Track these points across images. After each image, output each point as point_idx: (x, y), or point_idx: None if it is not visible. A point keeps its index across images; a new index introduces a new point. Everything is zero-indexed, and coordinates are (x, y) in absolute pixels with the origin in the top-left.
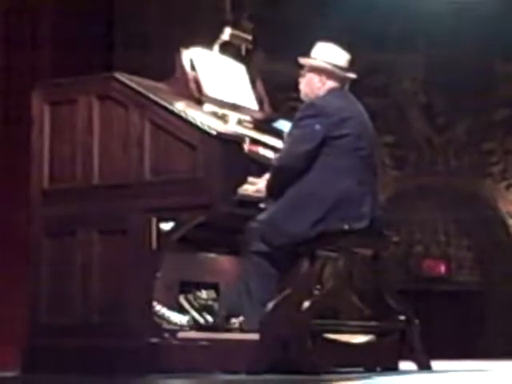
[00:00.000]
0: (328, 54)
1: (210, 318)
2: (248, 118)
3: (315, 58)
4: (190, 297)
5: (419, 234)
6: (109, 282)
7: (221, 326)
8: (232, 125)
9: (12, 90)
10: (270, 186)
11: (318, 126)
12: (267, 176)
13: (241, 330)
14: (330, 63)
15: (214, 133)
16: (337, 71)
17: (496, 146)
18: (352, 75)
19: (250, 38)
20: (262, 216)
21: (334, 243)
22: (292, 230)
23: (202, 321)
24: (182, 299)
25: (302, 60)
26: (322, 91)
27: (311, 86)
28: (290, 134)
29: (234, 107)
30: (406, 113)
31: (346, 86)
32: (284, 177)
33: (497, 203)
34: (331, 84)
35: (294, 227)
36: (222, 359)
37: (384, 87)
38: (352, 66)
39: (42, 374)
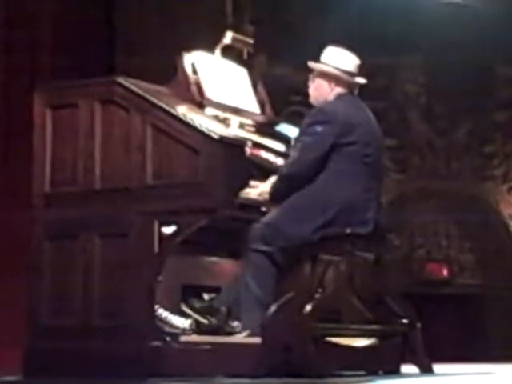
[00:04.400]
0: (337, 59)
1: (212, 321)
2: (250, 121)
3: (324, 63)
4: (192, 300)
5: (421, 237)
6: (110, 285)
7: (223, 323)
8: (234, 128)
9: (12, 92)
10: (276, 191)
11: (328, 126)
12: (271, 180)
13: (240, 328)
14: (338, 69)
15: (216, 136)
16: (345, 77)
17: (497, 148)
18: (361, 80)
19: (251, 41)
20: (265, 218)
21: (336, 247)
22: (295, 234)
23: (204, 322)
24: (183, 303)
25: (312, 64)
26: (331, 96)
27: (321, 91)
28: (298, 139)
29: (236, 111)
30: (407, 116)
31: (356, 91)
32: (292, 184)
33: (498, 206)
34: (340, 89)
35: (297, 231)
36: (224, 363)
37: (385, 90)
38: (362, 71)
39: (43, 378)
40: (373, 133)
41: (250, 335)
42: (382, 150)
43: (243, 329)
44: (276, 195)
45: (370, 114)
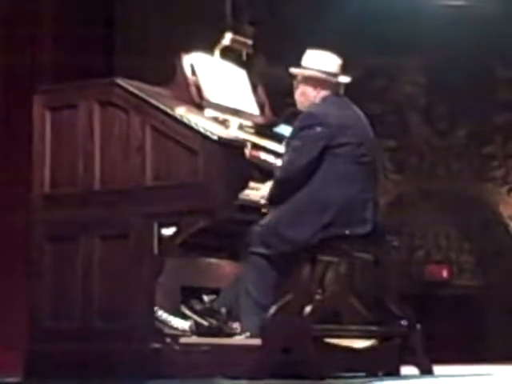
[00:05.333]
0: (318, 62)
1: (211, 322)
2: (249, 122)
3: (306, 67)
4: (192, 302)
5: (420, 239)
6: (110, 287)
7: (222, 325)
8: (233, 130)
9: (12, 94)
10: (272, 195)
11: (318, 129)
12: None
13: (240, 331)
14: (321, 71)
15: (215, 138)
16: (329, 78)
17: (497, 150)
18: (345, 79)
19: (250, 42)
20: (264, 221)
21: (336, 248)
22: (294, 238)
23: (204, 323)
24: (183, 304)
25: (294, 70)
26: (317, 99)
27: (306, 96)
28: (289, 143)
29: (235, 112)
30: (407, 117)
31: (342, 90)
32: (286, 188)
33: (498, 207)
34: (326, 91)
35: (296, 234)
36: (224, 364)
37: (384, 91)
38: (344, 70)
39: (43, 379)
40: (364, 132)
41: (250, 337)
42: (376, 148)
43: (243, 331)
44: (273, 199)
45: (360, 113)
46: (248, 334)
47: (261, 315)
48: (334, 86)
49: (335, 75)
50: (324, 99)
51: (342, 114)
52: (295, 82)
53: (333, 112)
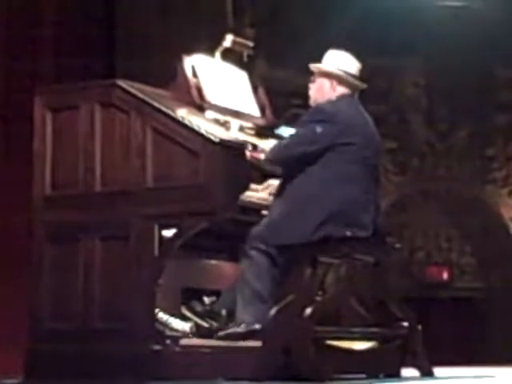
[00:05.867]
0: (340, 61)
1: (212, 324)
2: (250, 124)
3: (328, 64)
4: (192, 303)
5: (421, 240)
6: (111, 288)
7: (223, 326)
8: (234, 132)
9: (13, 95)
10: (273, 165)
11: (319, 129)
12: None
13: (236, 323)
14: (342, 70)
15: (216, 140)
16: (348, 78)
17: (498, 151)
18: (363, 84)
19: (251, 44)
20: (265, 220)
21: (337, 250)
22: (294, 234)
23: (205, 325)
24: (183, 306)
25: (314, 66)
26: (333, 96)
27: (322, 92)
28: (294, 132)
29: (236, 114)
30: (408, 118)
31: (356, 95)
32: (275, 167)
33: (499, 209)
34: (342, 90)
35: (297, 230)
36: (224, 366)
37: (385, 93)
38: (362, 75)
39: (44, 380)
40: (372, 136)
41: (247, 329)
42: (380, 153)
43: (238, 323)
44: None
45: (369, 119)
46: (243, 326)
47: (259, 307)
48: (350, 87)
49: (354, 77)
50: (339, 97)
51: (352, 114)
52: (312, 78)
53: (344, 110)
